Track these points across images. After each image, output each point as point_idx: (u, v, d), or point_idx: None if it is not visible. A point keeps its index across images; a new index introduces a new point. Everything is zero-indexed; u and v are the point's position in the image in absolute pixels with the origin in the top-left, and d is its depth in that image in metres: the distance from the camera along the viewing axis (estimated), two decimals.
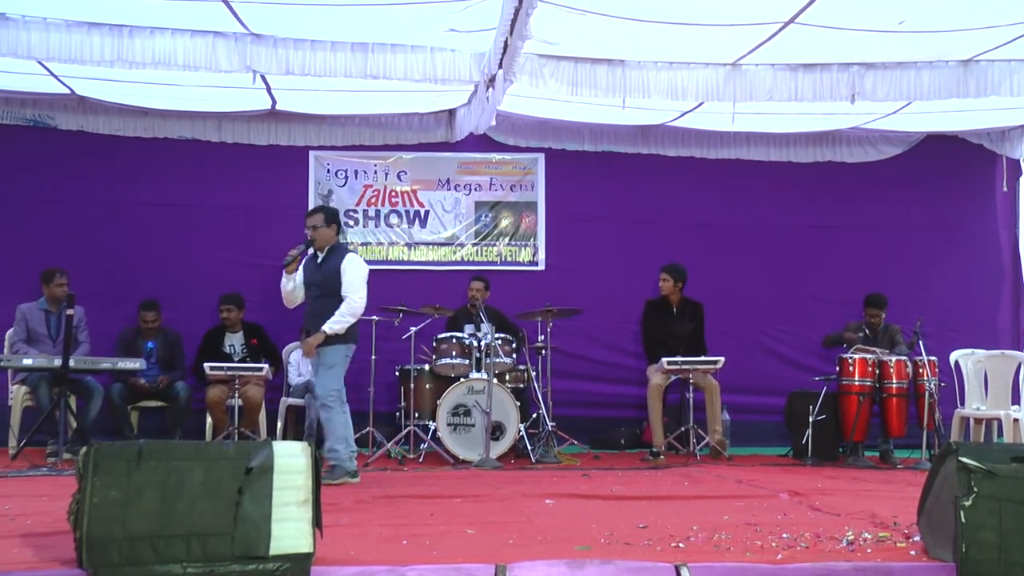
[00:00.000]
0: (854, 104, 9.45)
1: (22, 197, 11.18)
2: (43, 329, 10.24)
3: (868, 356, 10.04)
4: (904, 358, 10.05)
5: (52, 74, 9.92)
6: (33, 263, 10.50)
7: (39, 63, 9.31)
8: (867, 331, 10.73)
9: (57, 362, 9.11)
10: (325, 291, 8.31)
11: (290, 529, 4.39)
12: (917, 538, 5.19)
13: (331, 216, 8.54)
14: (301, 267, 8.45)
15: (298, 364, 10.89)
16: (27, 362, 9.52)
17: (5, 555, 4.76)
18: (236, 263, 11.41)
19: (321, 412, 8.34)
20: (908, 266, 12.05)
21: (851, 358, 10.05)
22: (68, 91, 10.68)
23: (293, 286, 8.44)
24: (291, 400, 10.70)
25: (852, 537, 5.35)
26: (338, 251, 8.44)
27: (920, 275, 12.06)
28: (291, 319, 11.00)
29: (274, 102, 11.00)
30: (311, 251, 8.50)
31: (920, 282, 11.99)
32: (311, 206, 11.63)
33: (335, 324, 8.15)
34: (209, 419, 10.42)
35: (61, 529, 4.88)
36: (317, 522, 4.49)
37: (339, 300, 8.24)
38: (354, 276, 8.31)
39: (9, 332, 10.36)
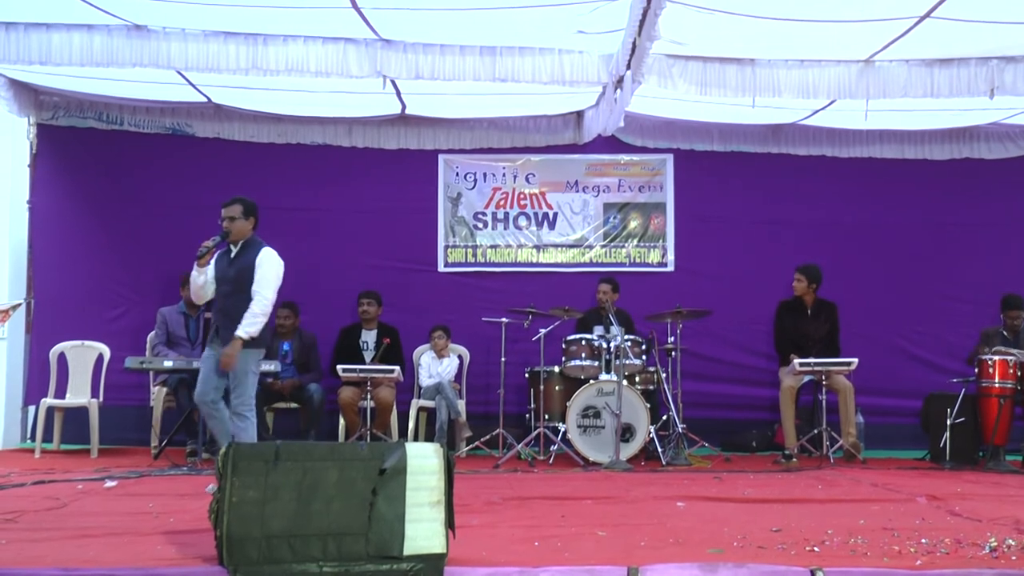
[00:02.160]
0: (993, 99, 9.24)
1: (162, 203, 11.46)
2: (182, 332, 10.50)
3: (1009, 358, 9.78)
4: None
5: (190, 83, 10.21)
6: (173, 267, 10.74)
7: (178, 72, 9.62)
8: (1005, 333, 10.49)
9: (196, 364, 9.33)
10: (237, 287, 7.86)
11: (423, 529, 4.45)
12: None
13: (250, 208, 7.97)
14: (213, 261, 8.00)
15: (428, 366, 11.00)
16: (167, 364, 9.79)
17: (150, 552, 4.90)
18: (368, 266, 11.56)
19: (235, 421, 7.77)
20: None
21: (991, 359, 9.80)
22: (205, 99, 10.99)
23: (204, 280, 7.95)
24: (422, 402, 10.79)
25: (995, 544, 5.22)
26: (253, 246, 7.96)
27: None
28: (421, 322, 11.17)
29: (404, 106, 11.13)
30: (226, 245, 8.03)
31: None
32: (441, 210, 11.77)
33: (249, 327, 7.72)
34: (342, 420, 10.58)
35: (201, 527, 5.01)
36: (450, 523, 4.54)
37: (250, 298, 7.81)
38: (267, 272, 7.86)
39: (150, 335, 10.67)
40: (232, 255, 7.97)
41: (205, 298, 8.14)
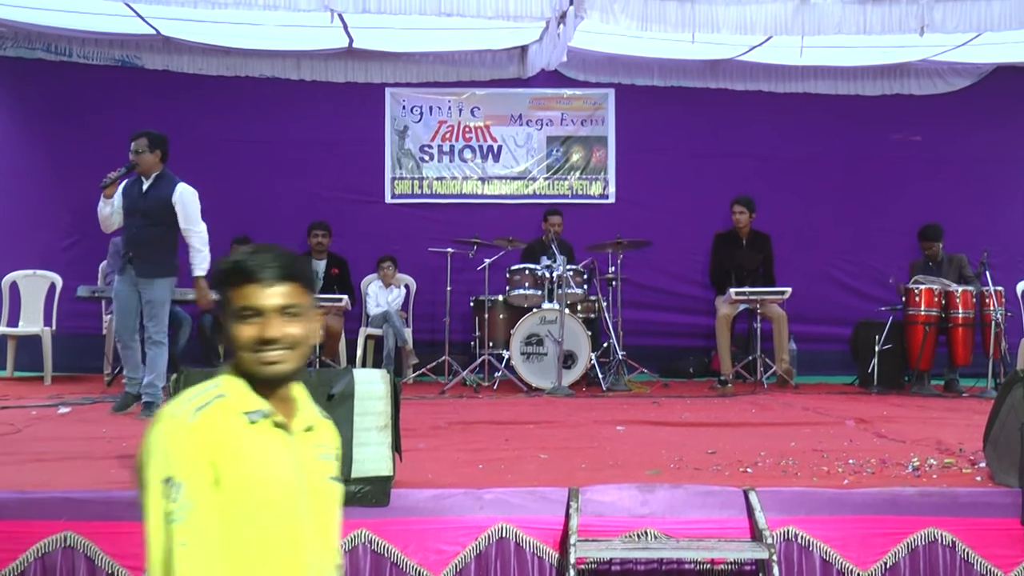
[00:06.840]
0: (923, 36, 9.38)
1: (112, 135, 11.21)
2: None
3: (934, 286, 10.02)
4: (970, 288, 10.01)
5: (139, 15, 10.14)
6: None
7: (126, 4, 9.59)
8: (930, 264, 10.64)
9: None
10: (152, 220, 7.77)
11: (371, 453, 4.56)
12: (983, 464, 5.29)
13: (156, 141, 7.87)
14: (120, 192, 7.91)
15: (376, 295, 11.15)
16: None
17: (104, 475, 5.05)
18: (316, 198, 11.60)
19: (152, 349, 7.73)
20: (976, 197, 11.98)
21: (917, 288, 10.02)
22: (154, 32, 10.89)
23: (111, 211, 7.86)
24: (370, 330, 10.97)
25: (918, 463, 5.46)
26: (166, 180, 7.86)
27: (988, 206, 12.00)
28: (369, 252, 11.31)
29: (351, 40, 11.11)
30: (135, 177, 7.94)
31: (987, 213, 11.92)
32: (388, 142, 11.87)
33: (203, 263, 7.83)
34: None
35: None
36: (396, 447, 4.67)
37: (167, 229, 7.79)
38: (191, 208, 7.83)
39: (102, 264, 10.68)
40: (144, 188, 7.87)
41: (113, 227, 8.07)
